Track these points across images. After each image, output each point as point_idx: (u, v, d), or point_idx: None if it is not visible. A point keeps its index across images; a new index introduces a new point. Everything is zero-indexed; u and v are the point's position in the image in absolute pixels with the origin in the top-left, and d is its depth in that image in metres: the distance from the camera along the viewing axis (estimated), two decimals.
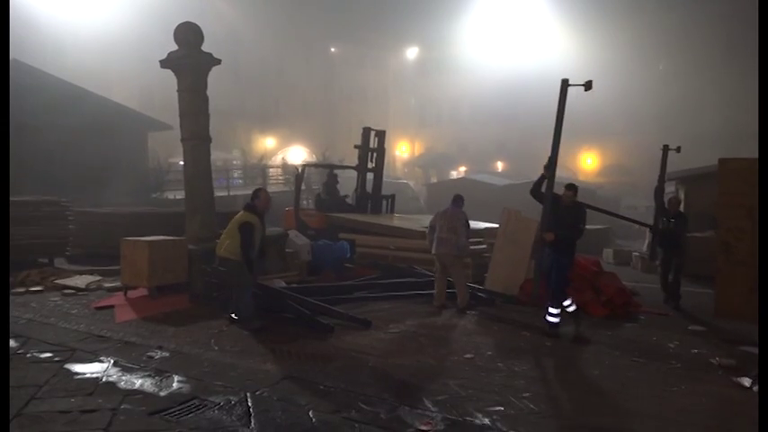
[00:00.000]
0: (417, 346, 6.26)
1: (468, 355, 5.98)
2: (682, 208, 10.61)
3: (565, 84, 6.82)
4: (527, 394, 4.90)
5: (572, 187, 7.22)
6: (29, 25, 29.29)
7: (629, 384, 5.31)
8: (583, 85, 6.72)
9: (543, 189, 7.12)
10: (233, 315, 6.88)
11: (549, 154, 7.27)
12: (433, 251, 8.26)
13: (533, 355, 6.17)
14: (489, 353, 6.13)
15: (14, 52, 19.59)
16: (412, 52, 56.96)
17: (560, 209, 7.04)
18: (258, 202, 6.99)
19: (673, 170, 15.69)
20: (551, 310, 7.00)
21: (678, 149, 10.08)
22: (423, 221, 12.16)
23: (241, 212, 7.02)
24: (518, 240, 9.00)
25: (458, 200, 8.52)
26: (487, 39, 49.53)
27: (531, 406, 4.63)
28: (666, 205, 9.56)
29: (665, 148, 10.31)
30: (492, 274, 9.11)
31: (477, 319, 7.75)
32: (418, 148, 56.87)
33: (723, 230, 7.27)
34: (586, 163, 49.26)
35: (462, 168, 47.24)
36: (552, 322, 6.98)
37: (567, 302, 7.15)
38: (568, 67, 46.03)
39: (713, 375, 5.63)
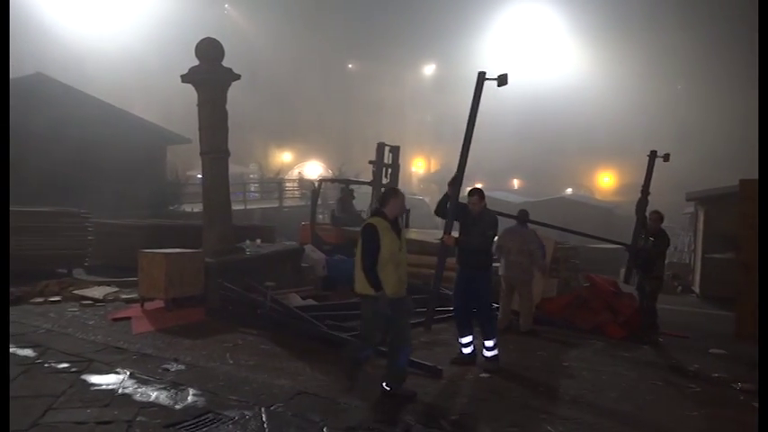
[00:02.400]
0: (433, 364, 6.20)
1: (483, 375, 5.93)
2: (700, 227, 10.30)
3: (481, 77, 6.48)
4: (544, 415, 4.84)
5: (475, 192, 6.31)
6: (52, 39, 29.95)
7: (646, 408, 5.22)
8: (496, 79, 6.35)
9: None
10: (385, 386, 5.13)
11: (456, 171, 6.77)
12: (501, 272, 7.96)
13: (550, 375, 6.10)
14: (505, 371, 6.07)
15: (38, 65, 20.07)
16: (429, 69, 57.28)
17: (468, 218, 6.28)
18: (390, 208, 5.19)
19: (693, 190, 15.60)
20: (486, 342, 6.12)
21: (666, 157, 9.08)
22: (438, 235, 12.14)
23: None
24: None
25: (523, 217, 8.13)
26: (505, 56, 49.67)
27: (549, 428, 4.57)
28: (648, 221, 8.32)
29: (653, 155, 9.27)
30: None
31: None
32: (434, 165, 56.89)
33: (743, 252, 7.17)
34: (603, 181, 49.00)
35: (478, 185, 47.03)
36: (491, 356, 6.14)
37: (490, 342, 6.11)
38: (585, 84, 46.05)
39: (735, 400, 5.52)
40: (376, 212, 5.30)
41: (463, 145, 6.40)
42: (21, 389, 4.88)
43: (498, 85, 6.18)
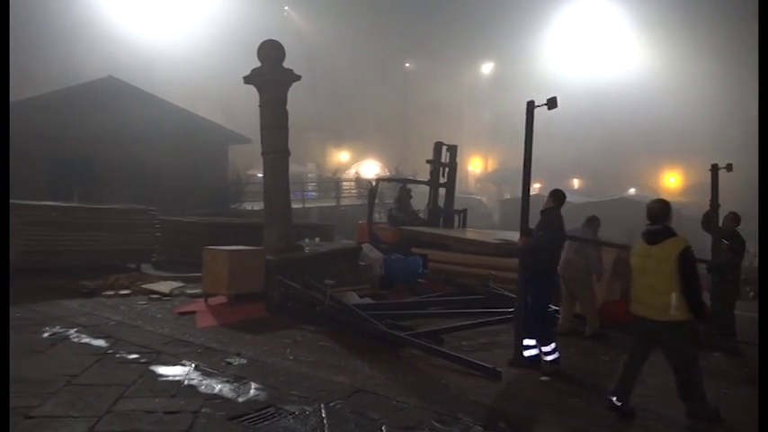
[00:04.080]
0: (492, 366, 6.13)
1: (543, 378, 5.82)
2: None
3: (530, 106, 6.29)
4: (607, 422, 4.70)
5: (551, 193, 6.39)
6: (121, 44, 31.27)
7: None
8: (545, 104, 6.17)
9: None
10: (612, 398, 4.99)
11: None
12: (559, 270, 7.94)
13: (613, 381, 5.90)
14: (567, 375, 5.94)
15: (108, 69, 20.99)
16: (487, 67, 56.71)
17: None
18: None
19: None
20: (543, 347, 6.05)
21: (729, 167, 8.40)
22: (497, 235, 11.98)
23: (673, 239, 4.73)
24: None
25: (591, 221, 7.95)
26: (565, 54, 48.66)
27: None
28: (721, 223, 8.00)
29: (714, 169, 8.55)
30: None
31: None
32: (491, 164, 56.33)
33: None
34: (669, 182, 47.25)
35: (537, 185, 46.32)
36: (550, 360, 6.02)
37: (550, 347, 6.06)
38: (649, 81, 44.52)
39: None
40: (671, 231, 4.82)
41: (523, 175, 6.31)
42: (94, 377, 5.14)
43: (549, 109, 6.09)
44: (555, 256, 6.31)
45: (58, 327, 6.82)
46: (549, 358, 6.04)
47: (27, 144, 15.53)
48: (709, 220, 8.38)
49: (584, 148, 46.22)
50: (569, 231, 7.80)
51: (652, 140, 43.37)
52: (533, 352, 6.13)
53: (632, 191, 44.29)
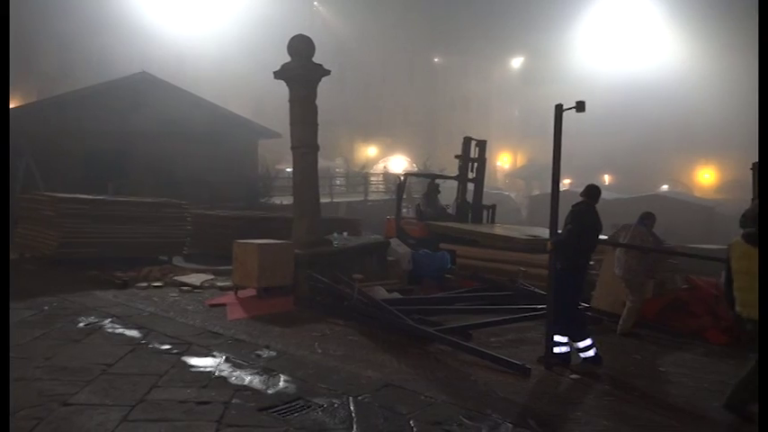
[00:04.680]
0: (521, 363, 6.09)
1: (573, 376, 5.76)
2: None
3: (558, 109, 6.17)
4: (639, 422, 4.64)
5: (584, 188, 6.30)
6: (154, 40, 31.79)
7: (752, 417, 4.88)
8: (574, 107, 6.04)
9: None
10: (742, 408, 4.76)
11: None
12: (615, 271, 7.71)
13: (645, 380, 5.83)
14: (597, 373, 5.86)
15: (141, 64, 21.36)
16: (517, 62, 56.14)
17: None
18: None
19: None
20: (576, 344, 6.00)
21: None
22: (526, 231, 11.88)
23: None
24: None
25: (645, 218, 7.70)
26: (597, 48, 47.88)
27: None
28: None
29: (755, 168, 8.26)
30: (599, 292, 8.71)
31: None
32: (520, 160, 55.83)
33: None
34: (704, 178, 46.23)
35: (567, 181, 45.81)
36: (584, 357, 5.98)
37: (582, 343, 5.99)
38: (682, 75, 43.49)
39: None
40: None
41: (552, 179, 6.23)
42: (128, 367, 5.25)
43: (577, 111, 5.98)
44: (583, 251, 6.15)
45: (93, 317, 6.98)
46: (584, 355, 5.96)
47: (64, 138, 15.93)
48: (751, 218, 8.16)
49: (616, 143, 45.47)
50: (622, 229, 7.72)
51: (686, 135, 42.45)
52: (564, 349, 6.06)
53: (665, 187, 43.44)
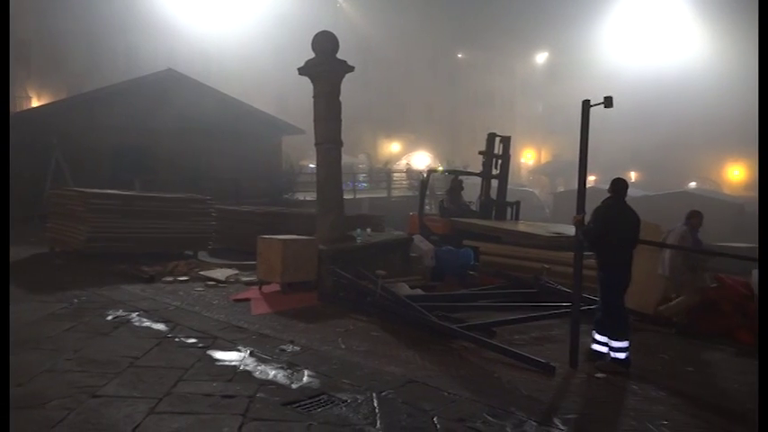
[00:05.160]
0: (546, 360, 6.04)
1: (600, 375, 5.69)
2: None
3: (586, 105, 6.05)
4: (666, 422, 4.56)
5: (610, 183, 6.19)
6: (180, 38, 32.15)
7: None
8: (602, 102, 5.91)
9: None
10: None
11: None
12: (660, 271, 7.69)
13: (673, 380, 5.73)
14: (624, 373, 5.78)
15: (167, 62, 21.63)
16: (541, 57, 55.59)
17: None
18: None
19: None
20: (611, 342, 5.85)
21: None
22: (550, 228, 11.76)
23: None
24: (655, 257, 8.41)
25: (690, 216, 7.56)
26: (623, 43, 47.17)
27: None
28: None
29: None
30: (627, 291, 8.59)
31: None
32: (544, 156, 55.32)
33: None
34: (733, 175, 45.32)
35: (592, 177, 45.32)
36: (614, 357, 5.83)
37: (617, 343, 5.82)
38: (711, 70, 42.59)
39: None
40: None
41: (579, 178, 6.14)
42: (155, 360, 5.33)
43: (605, 107, 5.87)
44: (614, 247, 5.98)
45: (120, 310, 7.10)
46: (615, 355, 5.86)
47: (93, 135, 16.22)
48: None
49: (643, 139, 44.78)
50: (672, 229, 7.63)
51: (715, 131, 41.59)
52: (601, 348, 5.95)
53: (693, 184, 42.67)
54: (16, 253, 10.88)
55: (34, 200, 15.43)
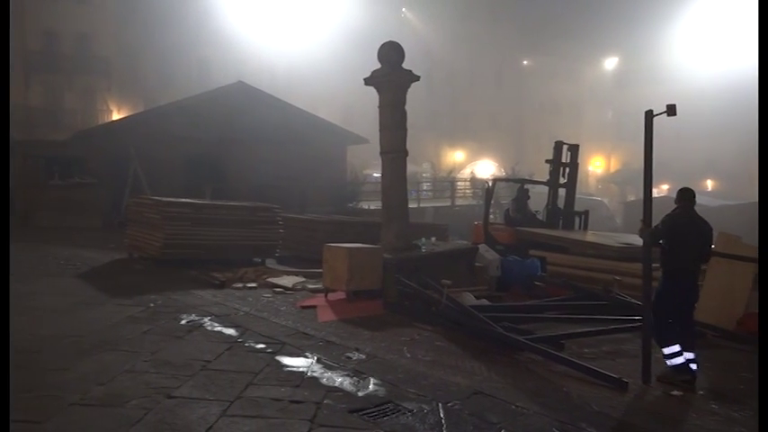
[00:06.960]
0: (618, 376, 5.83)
1: (675, 392, 5.44)
2: None
3: (648, 115, 5.72)
4: None
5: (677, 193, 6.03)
6: (249, 51, 33.22)
7: None
8: (665, 111, 5.56)
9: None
10: None
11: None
12: None
13: (755, 401, 5.41)
14: (701, 392, 5.51)
15: (236, 75, 22.38)
16: (610, 63, 54.08)
17: None
18: None
19: None
20: (664, 350, 5.70)
21: None
22: (620, 238, 11.39)
23: None
24: (736, 270, 8.00)
25: None
26: (697, 47, 45.24)
27: None
28: None
29: None
30: (703, 304, 8.17)
31: None
32: (614, 164, 53.65)
33: None
34: None
35: (665, 186, 43.52)
36: (668, 364, 5.65)
37: (667, 349, 5.64)
38: None
39: None
40: None
41: (644, 189, 5.93)
42: (226, 364, 5.49)
43: (668, 116, 5.62)
44: (678, 256, 5.75)
45: (193, 315, 7.35)
46: (671, 362, 5.63)
47: (168, 145, 16.96)
48: None
49: (720, 147, 42.73)
50: None
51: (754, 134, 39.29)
52: (678, 360, 5.67)
53: None
54: (98, 258, 11.52)
55: (114, 208, 16.29)
